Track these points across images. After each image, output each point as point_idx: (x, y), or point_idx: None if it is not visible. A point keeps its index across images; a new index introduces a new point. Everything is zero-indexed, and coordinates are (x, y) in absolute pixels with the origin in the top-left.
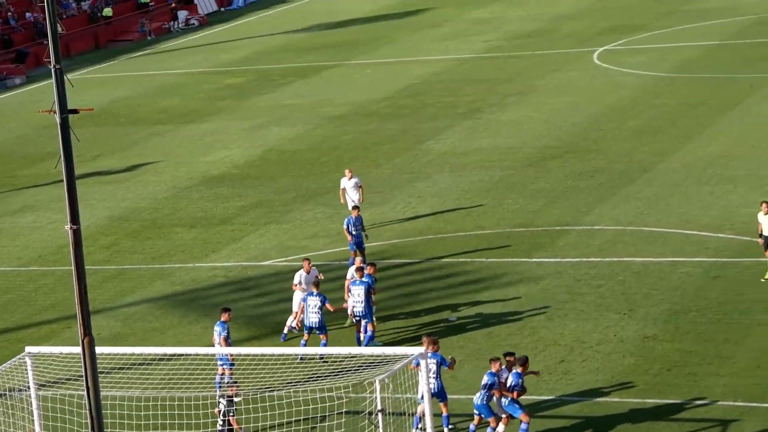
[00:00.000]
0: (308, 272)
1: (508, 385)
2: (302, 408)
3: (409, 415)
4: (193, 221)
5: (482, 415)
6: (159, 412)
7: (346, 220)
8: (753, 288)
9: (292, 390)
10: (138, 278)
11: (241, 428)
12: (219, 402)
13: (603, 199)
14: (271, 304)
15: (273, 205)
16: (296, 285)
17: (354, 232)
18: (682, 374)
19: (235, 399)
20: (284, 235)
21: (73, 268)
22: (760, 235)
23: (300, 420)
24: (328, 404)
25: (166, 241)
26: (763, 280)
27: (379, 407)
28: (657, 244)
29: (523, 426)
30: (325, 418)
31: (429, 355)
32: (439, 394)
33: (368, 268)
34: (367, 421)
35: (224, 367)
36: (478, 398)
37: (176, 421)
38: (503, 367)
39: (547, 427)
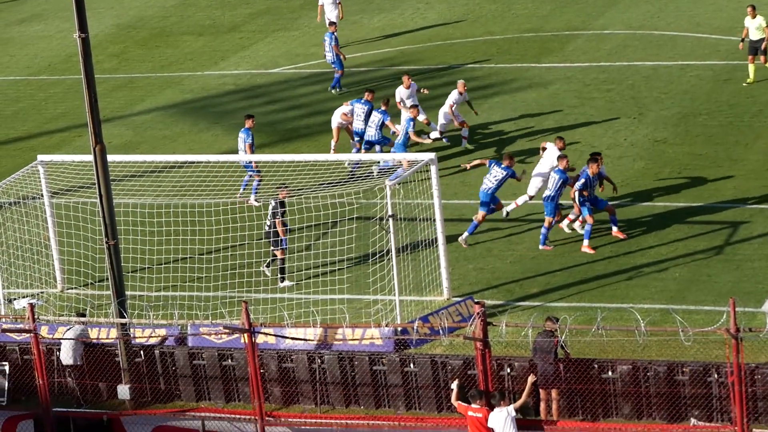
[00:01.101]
0: (407, 87)
1: (576, 182)
2: (313, 214)
3: (420, 220)
4: (202, 29)
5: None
6: (171, 219)
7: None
8: (764, 90)
9: (303, 196)
10: (148, 86)
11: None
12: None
13: (613, 3)
14: (280, 112)
15: (281, 12)
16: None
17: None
18: (693, 177)
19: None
20: (293, 42)
21: (82, 76)
22: (742, 40)
23: (311, 225)
24: (339, 210)
25: (175, 49)
26: (744, 84)
27: (389, 212)
28: (667, 48)
29: (587, 227)
30: (336, 224)
31: (502, 167)
32: (491, 201)
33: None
34: (378, 226)
35: (252, 174)
36: (549, 195)
37: (188, 228)
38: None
39: (556, 229)
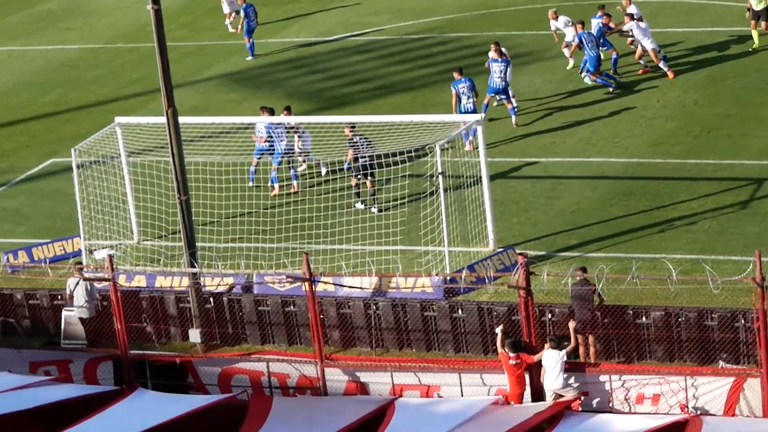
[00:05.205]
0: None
1: None
2: (368, 171)
3: (468, 177)
4: (266, 0)
5: None
6: (239, 176)
7: None
8: None
9: (360, 155)
10: (215, 53)
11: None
12: None
13: None
14: (337, 78)
15: None
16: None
17: None
18: (721, 136)
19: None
20: (349, 12)
21: (155, 44)
22: (749, 9)
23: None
24: (392, 168)
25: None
26: (750, 49)
27: (439, 170)
28: (697, 15)
29: None
30: (389, 181)
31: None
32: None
33: None
34: (428, 183)
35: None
36: None
37: (253, 184)
38: None
39: (594, 185)
